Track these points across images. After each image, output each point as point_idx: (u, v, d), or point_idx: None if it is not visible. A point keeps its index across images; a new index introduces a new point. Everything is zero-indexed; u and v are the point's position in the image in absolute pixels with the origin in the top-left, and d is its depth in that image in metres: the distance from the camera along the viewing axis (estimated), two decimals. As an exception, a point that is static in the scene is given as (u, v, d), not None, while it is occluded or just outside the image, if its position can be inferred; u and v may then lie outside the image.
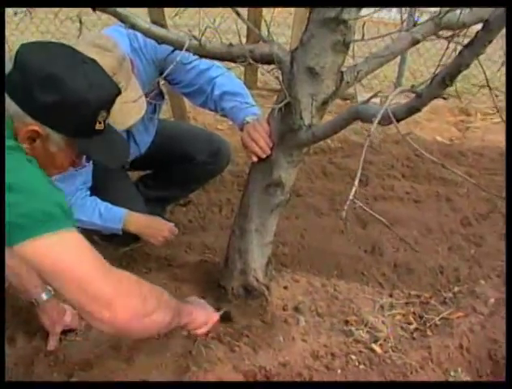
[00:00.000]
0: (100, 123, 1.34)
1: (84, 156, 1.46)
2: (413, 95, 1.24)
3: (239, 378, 1.62)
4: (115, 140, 1.47)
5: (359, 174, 0.97)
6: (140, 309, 1.22)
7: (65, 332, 1.77)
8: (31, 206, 1.12)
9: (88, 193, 2.13)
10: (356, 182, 0.93)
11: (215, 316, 1.62)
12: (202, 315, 1.55)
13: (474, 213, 2.86)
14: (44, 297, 1.72)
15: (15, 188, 1.12)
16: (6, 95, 1.26)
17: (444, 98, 1.13)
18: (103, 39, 1.81)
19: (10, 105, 1.26)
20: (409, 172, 3.40)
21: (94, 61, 1.36)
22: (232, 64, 1.64)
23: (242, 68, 4.56)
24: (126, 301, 1.19)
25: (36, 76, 1.24)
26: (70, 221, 1.20)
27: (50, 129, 1.28)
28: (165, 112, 3.74)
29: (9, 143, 1.23)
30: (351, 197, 0.92)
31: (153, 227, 2.16)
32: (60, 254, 1.15)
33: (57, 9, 5.29)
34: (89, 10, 1.63)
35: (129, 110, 1.77)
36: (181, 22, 3.83)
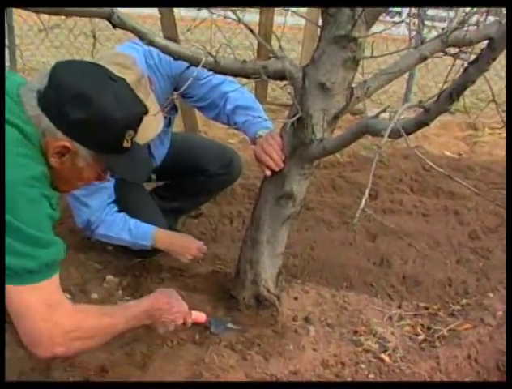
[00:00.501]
0: (127, 141, 1.39)
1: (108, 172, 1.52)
2: (421, 110, 1.29)
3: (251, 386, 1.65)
4: (140, 157, 1.51)
5: (369, 187, 1.01)
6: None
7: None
8: (17, 261, 1.26)
9: (116, 209, 2.19)
10: (366, 194, 0.97)
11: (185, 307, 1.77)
12: (176, 304, 1.72)
13: (482, 226, 2.89)
14: None
15: (14, 233, 1.24)
16: (39, 110, 1.31)
17: (451, 113, 1.17)
18: (122, 57, 1.87)
19: (44, 120, 1.31)
20: (417, 186, 3.44)
21: (122, 78, 1.41)
22: (244, 79, 1.70)
23: (253, 83, 4.62)
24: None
25: (68, 93, 1.29)
26: (49, 273, 1.34)
27: (79, 144, 1.34)
28: (177, 125, 3.81)
29: (34, 171, 1.28)
30: (361, 207, 0.96)
31: (182, 245, 2.20)
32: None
33: (71, 24, 5.42)
34: (103, 25, 1.70)
35: (148, 125, 1.82)
36: (193, 37, 3.91)
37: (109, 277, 2.25)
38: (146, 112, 1.43)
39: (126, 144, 1.39)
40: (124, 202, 2.20)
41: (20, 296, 1.30)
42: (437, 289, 2.28)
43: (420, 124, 1.27)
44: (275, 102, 5.09)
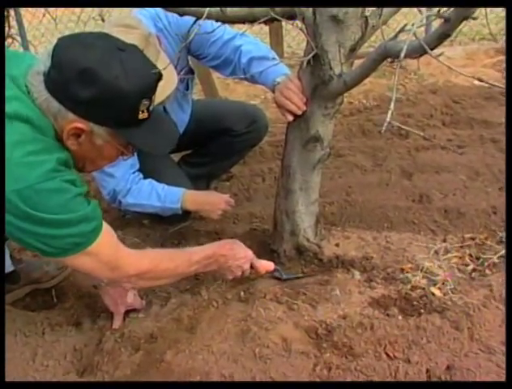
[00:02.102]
0: (142, 112, 1.33)
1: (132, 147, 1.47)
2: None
3: (301, 334, 1.63)
4: (162, 126, 1.45)
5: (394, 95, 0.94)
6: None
7: (127, 312, 1.82)
8: (60, 241, 1.36)
9: (141, 176, 2.18)
10: (392, 105, 0.91)
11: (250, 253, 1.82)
12: (240, 250, 1.79)
13: (523, 149, 2.77)
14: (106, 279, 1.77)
15: (48, 223, 1.30)
16: (47, 93, 1.27)
17: (474, 18, 1.10)
18: (126, 19, 1.83)
19: (53, 104, 1.27)
20: (449, 119, 3.34)
21: (133, 46, 1.33)
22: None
23: (268, 40, 4.53)
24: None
25: (72, 71, 1.23)
26: (95, 229, 1.42)
27: (93, 123, 1.29)
28: (196, 94, 3.77)
29: (49, 164, 1.27)
30: (387, 119, 0.90)
31: (210, 202, 2.21)
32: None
33: (78, 10, 5.40)
34: (110, 8, 1.66)
35: (161, 84, 1.79)
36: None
37: (149, 249, 2.24)
38: (160, 77, 1.36)
39: (143, 115, 1.33)
40: (147, 168, 2.19)
41: (78, 262, 1.43)
42: (481, 219, 2.21)
43: (442, 36, 1.19)
44: (293, 57, 4.98)
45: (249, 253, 1.81)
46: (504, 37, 4.48)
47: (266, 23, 1.60)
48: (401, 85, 4.03)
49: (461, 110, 3.39)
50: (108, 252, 1.48)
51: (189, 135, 2.45)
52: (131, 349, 1.65)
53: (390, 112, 0.90)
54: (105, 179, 2.13)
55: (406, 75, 4.14)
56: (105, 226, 1.48)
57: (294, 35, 5.22)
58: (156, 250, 1.82)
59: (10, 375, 1.56)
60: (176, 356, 1.57)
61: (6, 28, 4.43)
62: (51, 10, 4.46)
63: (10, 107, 1.25)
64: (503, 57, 4.44)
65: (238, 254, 1.77)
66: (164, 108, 2.20)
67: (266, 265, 1.86)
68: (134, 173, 2.15)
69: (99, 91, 1.24)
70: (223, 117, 2.48)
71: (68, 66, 1.23)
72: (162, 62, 1.80)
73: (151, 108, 1.36)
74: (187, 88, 2.34)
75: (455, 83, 3.91)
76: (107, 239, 1.47)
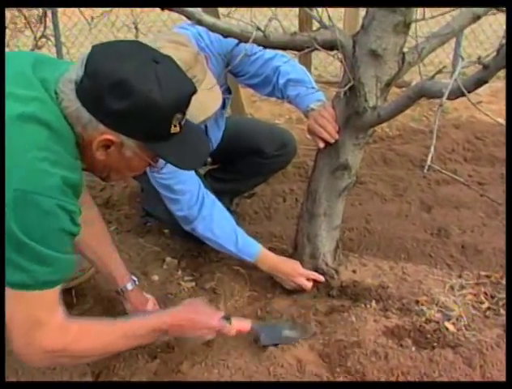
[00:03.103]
0: (175, 126, 1.28)
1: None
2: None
3: (315, 357, 1.66)
4: (193, 141, 1.39)
5: (435, 137, 0.98)
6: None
7: None
8: (10, 272, 1.19)
9: (213, 197, 2.09)
10: (432, 149, 0.95)
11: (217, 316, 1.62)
12: (202, 318, 1.57)
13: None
14: (129, 286, 1.80)
15: (12, 238, 1.16)
16: (78, 102, 1.22)
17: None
18: (176, 35, 1.87)
19: (83, 114, 1.22)
20: (471, 155, 3.36)
21: (168, 58, 1.30)
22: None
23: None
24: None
25: (106, 82, 1.19)
26: (48, 283, 1.24)
27: (123, 135, 1.25)
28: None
29: (53, 179, 1.17)
30: (428, 162, 0.94)
31: (285, 272, 2.01)
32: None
33: (113, 17, 5.50)
34: (143, 16, 1.69)
35: (207, 101, 1.80)
36: (233, 21, 3.91)
37: (168, 259, 2.29)
38: (194, 91, 1.31)
39: (175, 129, 1.28)
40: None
41: (8, 299, 1.22)
42: (498, 257, 2.22)
43: (480, 81, 1.24)
44: (319, 80, 5.03)
45: (213, 321, 1.59)
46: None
47: (307, 52, 1.65)
48: (424, 117, 4.07)
49: (483, 147, 3.42)
50: (40, 313, 1.26)
51: (218, 151, 2.47)
52: (148, 357, 1.69)
53: (430, 155, 0.94)
54: (174, 198, 2.05)
55: (430, 107, 4.18)
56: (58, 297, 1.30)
57: (322, 58, 5.28)
58: (93, 322, 1.45)
59: (24, 375, 1.59)
60: (192, 368, 1.61)
61: (42, 28, 4.52)
62: (86, 12, 4.55)
63: (29, 107, 1.20)
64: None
65: (198, 324, 1.56)
66: (206, 126, 2.24)
67: (240, 326, 1.68)
68: (201, 187, 2.06)
69: (132, 104, 1.20)
70: (254, 138, 2.51)
71: (102, 76, 1.19)
72: (209, 81, 1.84)
73: (183, 122, 1.32)
74: (224, 106, 2.38)
75: (479, 119, 3.93)
76: (49, 299, 1.28)
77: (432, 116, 4.10)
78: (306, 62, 4.60)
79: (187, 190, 2.01)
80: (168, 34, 1.92)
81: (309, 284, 1.97)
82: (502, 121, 4.01)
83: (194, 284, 2.11)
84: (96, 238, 1.75)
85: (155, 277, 2.16)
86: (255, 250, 2.02)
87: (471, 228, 2.47)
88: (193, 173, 2.04)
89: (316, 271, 1.99)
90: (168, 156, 1.33)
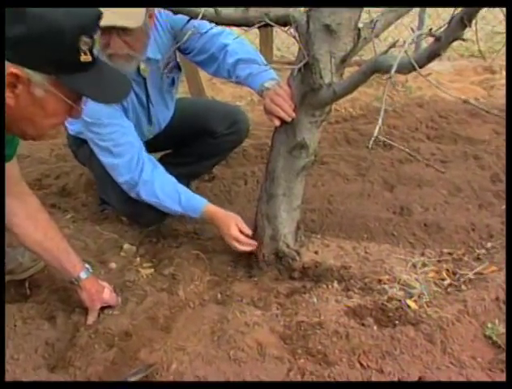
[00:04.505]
0: (85, 54, 1.18)
1: (82, 102, 1.32)
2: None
3: (276, 339, 1.67)
4: (113, 74, 1.31)
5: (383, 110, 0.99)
6: None
7: (102, 309, 1.84)
8: None
9: (154, 162, 2.13)
10: (381, 120, 0.96)
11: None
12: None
13: (504, 170, 2.85)
14: (83, 275, 1.79)
15: None
16: None
17: (463, 39, 1.15)
18: None
19: None
20: (434, 133, 3.40)
21: None
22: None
23: (257, 42, 4.57)
24: None
25: (6, 12, 1.11)
26: None
27: (28, 69, 1.15)
28: (183, 92, 3.80)
29: None
30: (375, 134, 0.95)
31: (222, 230, 2.06)
32: None
33: None
34: None
35: (126, 12, 1.74)
36: None
37: (126, 246, 2.28)
38: (100, 13, 1.21)
39: (85, 58, 1.18)
40: None
41: None
42: (460, 235, 2.27)
43: (432, 54, 1.24)
44: (282, 60, 5.03)
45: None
46: (492, 55, 4.60)
47: (258, 27, 1.64)
48: (388, 96, 4.10)
49: (446, 125, 3.47)
50: None
51: (169, 134, 2.48)
52: (105, 346, 1.67)
53: (378, 127, 0.95)
54: (115, 163, 2.08)
55: (394, 87, 4.22)
56: None
57: (284, 38, 5.26)
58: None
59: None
60: (150, 355, 1.60)
61: None
62: None
63: None
64: (490, 76, 4.56)
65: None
66: (152, 104, 2.22)
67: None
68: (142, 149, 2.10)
69: (30, 28, 1.11)
70: (204, 118, 2.50)
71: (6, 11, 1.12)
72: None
73: (94, 51, 1.22)
74: (172, 83, 2.35)
75: (442, 97, 3.98)
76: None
77: (396, 95, 4.14)
78: (268, 43, 4.60)
79: (126, 153, 2.05)
80: None
81: (240, 247, 2.02)
82: (466, 98, 4.08)
83: (152, 270, 2.10)
84: (42, 231, 1.73)
85: (113, 265, 2.14)
86: (199, 205, 2.07)
87: (434, 206, 2.51)
88: (133, 137, 2.08)
89: (277, 253, 2.00)
90: (85, 88, 1.24)
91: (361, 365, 1.57)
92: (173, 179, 2.11)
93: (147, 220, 2.33)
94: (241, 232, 2.01)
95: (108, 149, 2.05)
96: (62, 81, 1.20)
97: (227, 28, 2.04)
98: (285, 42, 5.34)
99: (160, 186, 2.07)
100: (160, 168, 2.12)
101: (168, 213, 2.22)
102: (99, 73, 1.24)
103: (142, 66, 2.10)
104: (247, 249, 2.02)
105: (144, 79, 2.17)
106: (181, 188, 2.10)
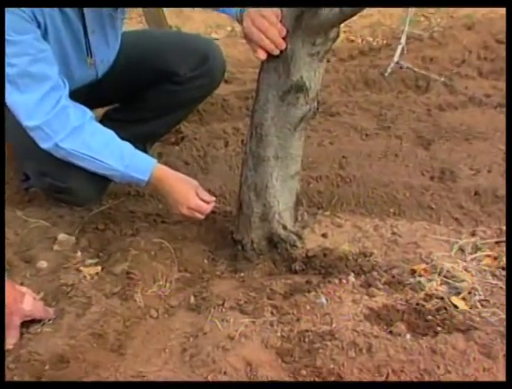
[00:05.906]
0: None
1: None
2: None
3: (271, 356, 1.65)
4: None
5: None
6: None
7: (25, 324, 1.81)
8: None
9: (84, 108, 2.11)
10: (403, 38, 0.92)
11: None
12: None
13: None
14: None
15: None
16: None
17: None
18: None
19: None
20: (488, 67, 3.40)
21: None
22: None
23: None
24: None
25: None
26: None
27: None
28: (137, 22, 3.76)
29: None
30: (395, 59, 0.91)
31: (177, 199, 2.11)
32: None
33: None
34: None
35: None
36: None
37: (62, 236, 2.26)
38: None
39: None
40: None
41: None
42: (526, 205, 2.27)
43: None
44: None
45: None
46: None
47: None
48: (423, 16, 4.08)
49: (505, 54, 3.44)
50: None
51: (115, 81, 2.45)
52: (30, 378, 1.64)
53: (399, 48, 0.91)
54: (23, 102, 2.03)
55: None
56: None
57: None
58: None
59: None
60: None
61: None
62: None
63: None
64: None
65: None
66: (88, 40, 2.18)
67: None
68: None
69: None
70: (161, 56, 2.49)
71: None
72: None
73: None
74: (116, 10, 2.30)
75: (501, 14, 3.92)
76: None
77: (434, 14, 4.09)
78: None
79: (36, 88, 1.99)
80: None
81: (199, 217, 2.12)
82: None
83: (99, 268, 2.09)
84: None
85: (43, 264, 2.12)
86: (148, 165, 2.08)
87: (488, 167, 2.53)
88: (51, 70, 2.03)
89: (270, 238, 2.01)
90: None
91: None
92: (112, 132, 2.11)
93: (77, 193, 2.28)
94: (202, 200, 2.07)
95: (14, 81, 1.97)
96: None
97: None
98: None
99: (92, 133, 2.05)
100: (95, 121, 2.11)
101: (106, 181, 2.22)
102: None
103: None
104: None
105: None
106: (123, 142, 2.10)
